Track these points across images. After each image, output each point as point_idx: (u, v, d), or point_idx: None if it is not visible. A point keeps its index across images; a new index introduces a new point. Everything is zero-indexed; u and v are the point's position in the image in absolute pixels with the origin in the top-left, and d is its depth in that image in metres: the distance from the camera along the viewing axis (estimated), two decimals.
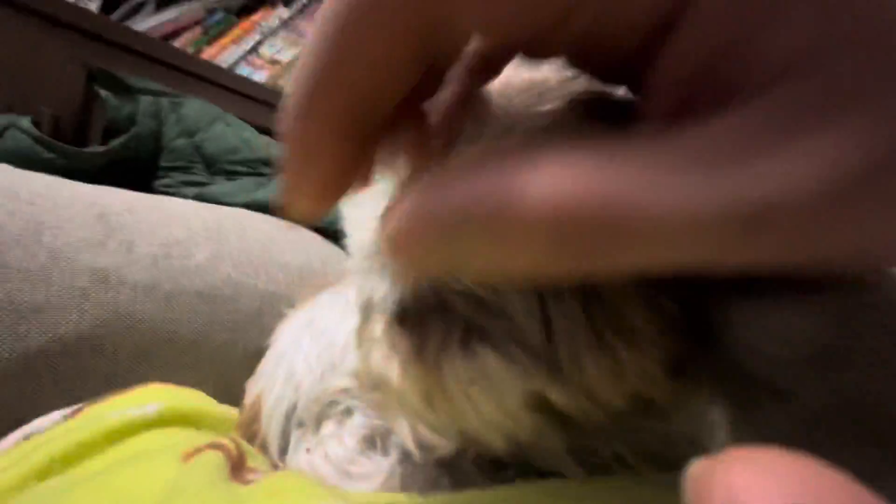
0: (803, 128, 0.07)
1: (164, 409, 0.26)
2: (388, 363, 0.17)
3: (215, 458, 0.18)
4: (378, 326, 0.17)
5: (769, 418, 0.12)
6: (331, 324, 0.29)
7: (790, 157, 0.07)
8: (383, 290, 0.18)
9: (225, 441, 0.20)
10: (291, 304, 0.38)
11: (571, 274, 0.09)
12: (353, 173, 0.10)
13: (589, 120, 0.11)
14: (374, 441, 0.22)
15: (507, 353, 0.14)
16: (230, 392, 0.42)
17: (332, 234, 0.61)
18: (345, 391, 0.26)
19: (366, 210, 0.19)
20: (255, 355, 0.48)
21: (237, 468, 0.19)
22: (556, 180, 0.08)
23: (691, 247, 0.08)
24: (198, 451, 0.19)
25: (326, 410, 0.26)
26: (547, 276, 0.09)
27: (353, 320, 0.29)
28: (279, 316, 0.49)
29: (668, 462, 0.17)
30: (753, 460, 0.06)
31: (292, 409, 0.27)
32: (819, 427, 0.12)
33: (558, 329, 0.14)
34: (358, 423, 0.23)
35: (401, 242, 0.09)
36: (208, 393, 0.43)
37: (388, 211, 0.09)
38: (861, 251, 0.08)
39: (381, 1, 0.08)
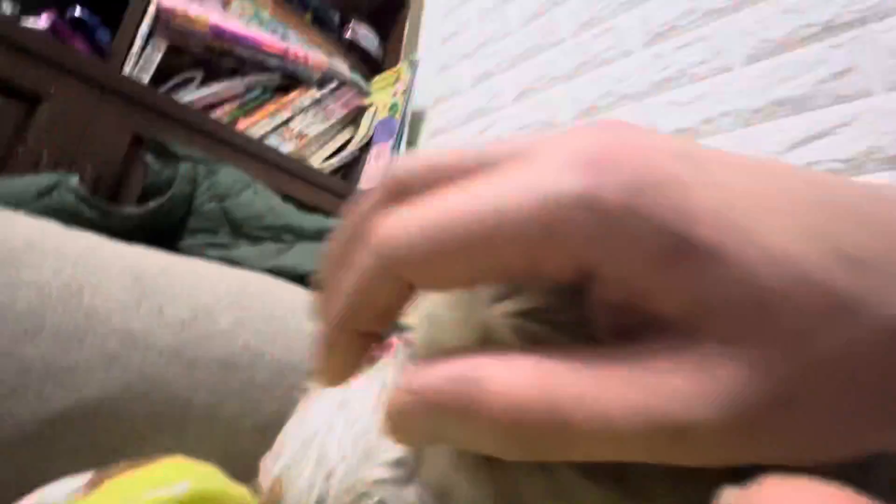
0: (706, 364, 0.09)
1: (192, 489, 0.25)
2: (455, 472, 0.17)
3: None
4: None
5: None
6: (366, 408, 0.29)
7: (699, 390, 0.09)
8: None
9: None
10: (307, 376, 0.38)
11: (534, 457, 0.10)
12: (359, 363, 0.14)
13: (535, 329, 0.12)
14: None
15: (586, 471, 0.14)
16: (238, 464, 0.41)
17: None
18: (379, 483, 0.26)
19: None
20: (264, 427, 0.47)
21: None
22: (511, 378, 0.10)
23: (629, 451, 0.09)
24: None
25: (357, 502, 0.26)
26: (512, 457, 0.10)
27: None
28: (290, 387, 0.49)
29: None
30: (785, 488, 0.06)
31: (323, 499, 0.26)
32: None
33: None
34: None
35: (393, 425, 0.12)
36: (214, 462, 0.42)
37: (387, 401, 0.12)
38: (794, 458, 0.09)
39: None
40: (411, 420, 0.11)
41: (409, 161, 0.12)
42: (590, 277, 0.10)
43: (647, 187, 0.09)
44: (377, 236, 0.11)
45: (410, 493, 0.25)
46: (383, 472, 0.26)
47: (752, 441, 0.09)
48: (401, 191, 0.12)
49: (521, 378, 0.10)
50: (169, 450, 0.38)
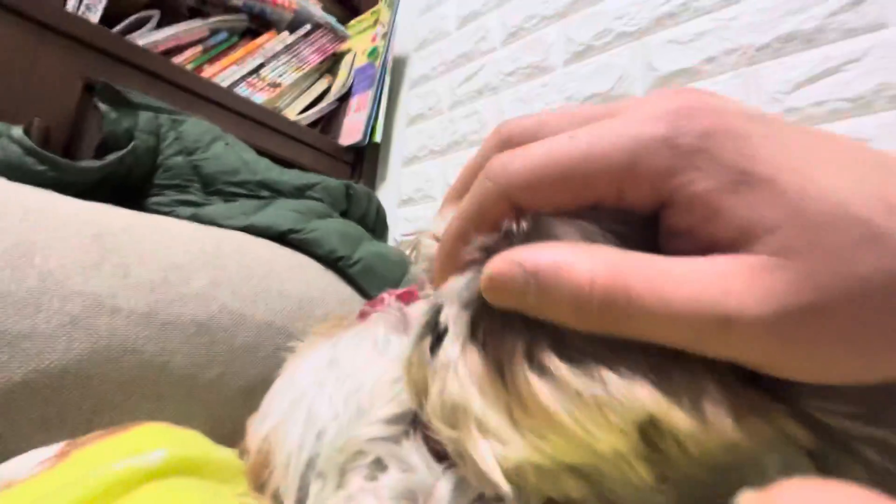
0: (758, 271, 0.11)
1: (169, 457, 0.23)
2: (467, 388, 0.16)
3: None
4: (452, 349, 0.16)
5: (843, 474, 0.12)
6: (357, 366, 0.27)
7: (749, 289, 0.11)
8: (456, 307, 0.16)
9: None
10: (292, 337, 0.36)
11: (601, 328, 0.13)
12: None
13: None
14: (416, 498, 0.20)
15: (620, 368, 0.13)
16: (221, 428, 0.39)
17: (333, 262, 0.60)
18: (374, 440, 0.24)
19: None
20: (248, 390, 0.45)
21: None
22: (594, 261, 0.12)
23: (680, 332, 0.11)
24: None
25: (351, 462, 0.24)
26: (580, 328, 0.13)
27: (382, 362, 0.28)
28: (276, 349, 0.47)
29: None
30: (807, 488, 0.06)
31: (314, 459, 0.25)
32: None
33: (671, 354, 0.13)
34: (395, 479, 0.21)
35: (492, 284, 0.13)
36: (198, 428, 0.40)
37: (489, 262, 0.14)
38: (818, 369, 0.11)
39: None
40: (511, 284, 0.13)
41: (520, 118, 0.15)
42: (663, 204, 0.12)
43: (718, 134, 0.12)
44: (494, 166, 0.14)
45: (408, 449, 0.23)
46: (378, 430, 0.24)
47: (790, 341, 0.11)
48: (513, 139, 0.15)
49: (602, 262, 0.12)
50: (147, 416, 0.36)
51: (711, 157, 0.11)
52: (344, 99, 1.02)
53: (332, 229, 0.62)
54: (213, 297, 0.43)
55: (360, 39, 1.05)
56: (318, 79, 1.03)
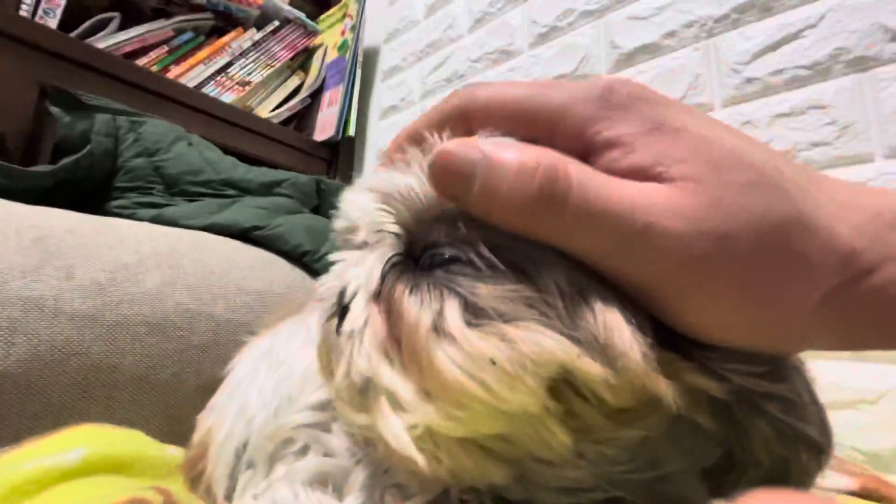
0: (675, 196, 0.13)
1: (88, 454, 0.23)
2: (373, 358, 0.15)
3: None
4: (357, 318, 0.15)
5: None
6: (290, 353, 0.26)
7: (669, 206, 0.12)
8: (366, 268, 0.16)
9: (147, 495, 0.18)
10: (251, 332, 0.35)
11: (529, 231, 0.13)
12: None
13: None
14: (325, 482, 0.20)
15: (532, 319, 0.13)
16: (180, 429, 0.39)
17: (297, 258, 0.59)
18: (301, 427, 0.23)
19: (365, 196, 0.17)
20: (208, 388, 0.44)
21: None
22: (539, 153, 0.13)
23: (603, 235, 0.13)
24: None
25: (281, 450, 0.24)
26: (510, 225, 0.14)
27: (315, 350, 0.27)
28: (237, 345, 0.47)
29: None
30: (772, 498, 0.07)
31: (242, 448, 0.24)
32: None
33: (591, 299, 0.13)
34: (312, 463, 0.21)
35: (442, 162, 0.14)
36: (155, 431, 0.40)
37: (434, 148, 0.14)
38: (712, 315, 0.13)
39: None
40: (461, 163, 0.13)
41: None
42: (585, 151, 0.14)
43: (641, 99, 0.14)
44: (464, 89, 0.16)
45: (334, 438, 0.23)
46: (306, 417, 0.24)
47: (697, 265, 0.12)
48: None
49: (548, 155, 0.13)
50: (97, 418, 0.35)
51: (631, 112, 0.14)
52: (316, 94, 1.01)
53: (299, 225, 0.61)
54: (166, 296, 0.42)
55: (330, 34, 1.04)
56: (290, 75, 1.02)
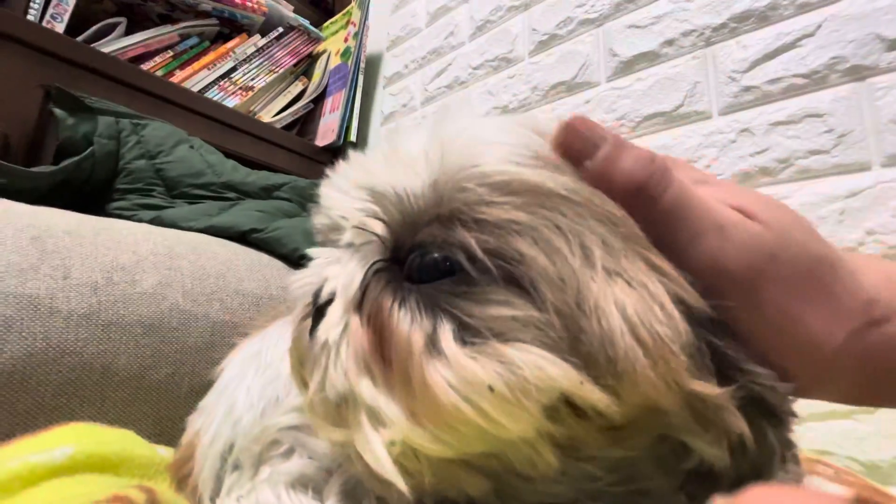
0: (740, 219, 0.15)
1: (76, 453, 0.23)
2: (352, 374, 0.14)
3: None
4: (336, 323, 0.15)
5: None
6: (278, 355, 0.26)
7: (739, 221, 0.15)
8: (347, 273, 0.15)
9: (130, 493, 0.18)
10: (246, 334, 0.35)
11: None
12: None
13: None
14: (307, 484, 0.20)
15: (531, 340, 0.12)
16: (173, 430, 0.38)
17: (295, 261, 0.59)
18: (287, 429, 0.23)
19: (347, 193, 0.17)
20: (203, 390, 0.44)
21: None
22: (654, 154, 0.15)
23: (690, 221, 0.15)
24: None
25: (266, 452, 0.24)
26: None
27: None
28: (233, 347, 0.47)
29: None
30: (771, 493, 0.07)
31: (229, 449, 0.24)
32: None
33: (596, 318, 0.12)
34: (295, 465, 0.21)
35: (580, 122, 0.15)
36: (146, 431, 0.40)
37: None
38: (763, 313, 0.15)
39: None
40: (597, 128, 0.15)
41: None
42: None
43: (679, 164, 0.18)
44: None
45: (318, 441, 0.23)
46: (291, 419, 0.24)
47: (754, 269, 0.14)
48: None
49: (660, 155, 0.16)
50: (90, 418, 0.35)
51: (679, 169, 0.16)
52: (319, 100, 1.02)
53: (298, 228, 0.61)
54: (162, 297, 0.43)
55: (334, 41, 1.05)
56: (293, 81, 1.03)
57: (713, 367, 0.13)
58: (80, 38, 0.75)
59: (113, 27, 0.81)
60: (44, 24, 0.73)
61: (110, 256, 0.41)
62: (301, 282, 0.17)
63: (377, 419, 0.14)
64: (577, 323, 0.13)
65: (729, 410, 0.13)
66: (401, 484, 0.13)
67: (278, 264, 0.57)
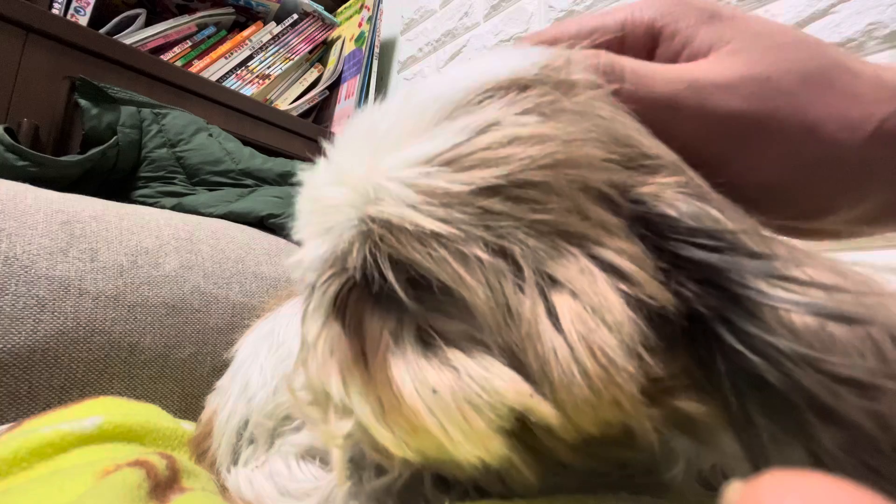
0: (722, 58, 0.16)
1: (104, 423, 0.24)
2: (327, 369, 0.15)
3: (133, 475, 0.16)
4: (313, 325, 0.16)
5: (815, 440, 0.10)
6: (290, 334, 0.27)
7: (715, 66, 0.15)
8: (317, 276, 0.15)
9: (150, 458, 0.19)
10: (259, 315, 0.37)
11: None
12: None
13: None
14: (315, 455, 0.20)
15: (480, 357, 0.12)
16: (197, 407, 0.40)
17: None
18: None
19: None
20: (222, 368, 0.46)
21: (161, 487, 0.17)
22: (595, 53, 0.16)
23: (659, 92, 0.15)
24: (117, 467, 0.17)
25: (279, 427, 0.24)
26: None
27: None
28: (248, 328, 0.48)
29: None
30: (792, 483, 0.07)
31: (244, 425, 0.25)
32: (856, 451, 0.10)
33: (530, 338, 0.12)
34: (303, 438, 0.21)
35: None
36: (172, 407, 0.41)
37: None
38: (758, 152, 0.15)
39: None
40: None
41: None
42: (656, 36, 0.17)
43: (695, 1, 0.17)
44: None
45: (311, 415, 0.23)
46: (304, 395, 0.25)
47: (746, 102, 0.14)
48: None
49: (603, 54, 0.16)
50: (119, 394, 0.37)
51: (691, 7, 0.16)
52: (334, 86, 1.02)
53: None
54: (184, 279, 0.44)
55: (348, 26, 1.05)
56: (309, 68, 1.03)
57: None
58: (102, 31, 0.77)
59: (133, 19, 0.83)
60: (68, 17, 0.75)
61: (134, 241, 0.43)
62: (299, 265, 0.17)
63: (344, 412, 0.14)
64: (514, 343, 0.12)
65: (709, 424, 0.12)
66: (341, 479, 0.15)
67: (295, 249, 0.58)
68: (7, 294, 0.34)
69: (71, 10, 0.76)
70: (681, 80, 0.15)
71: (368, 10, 0.99)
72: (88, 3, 0.78)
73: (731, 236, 0.11)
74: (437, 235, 0.12)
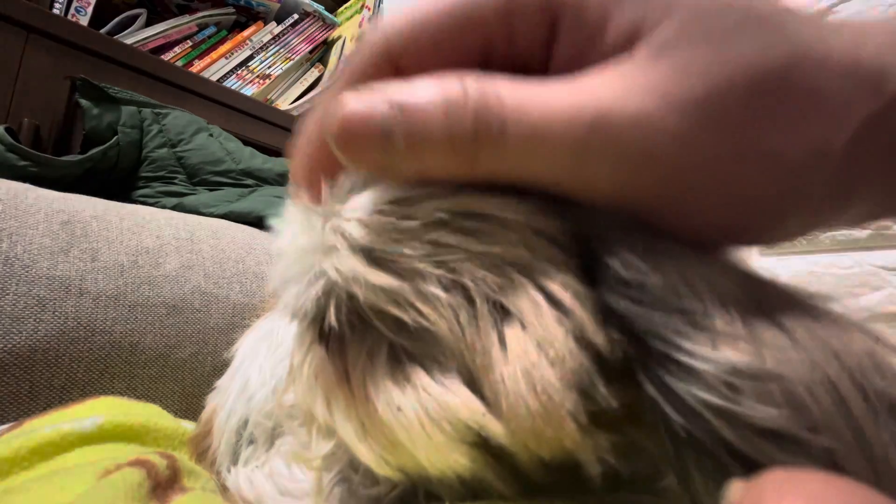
0: (641, 69, 0.11)
1: (105, 423, 0.24)
2: (313, 393, 0.15)
3: (133, 475, 0.16)
4: (298, 350, 0.16)
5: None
6: (289, 333, 0.27)
7: (630, 85, 0.10)
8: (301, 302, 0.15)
9: (151, 458, 0.19)
10: (259, 315, 0.37)
11: (472, 168, 0.11)
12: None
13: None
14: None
15: (441, 377, 0.12)
16: (198, 407, 0.40)
17: None
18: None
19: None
20: (223, 368, 0.46)
21: (162, 486, 0.17)
22: (462, 80, 0.11)
23: (558, 144, 0.10)
24: (118, 467, 0.17)
25: (279, 427, 0.25)
26: (452, 177, 0.11)
27: None
28: (249, 327, 0.48)
29: None
30: (791, 477, 0.07)
31: (243, 425, 0.25)
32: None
33: (483, 367, 0.12)
34: (304, 438, 0.22)
35: (347, 129, 0.11)
36: (172, 407, 0.42)
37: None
38: (696, 191, 0.11)
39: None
40: (371, 124, 0.11)
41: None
42: (553, 32, 0.12)
43: None
44: (368, 33, 0.13)
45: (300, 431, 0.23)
46: (294, 413, 0.25)
47: (671, 138, 0.10)
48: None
49: (472, 78, 0.11)
50: (120, 394, 0.37)
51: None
52: None
53: None
54: (185, 279, 0.44)
55: (349, 26, 1.05)
56: (309, 68, 1.03)
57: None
58: (102, 31, 0.77)
59: (133, 19, 0.83)
60: (69, 17, 0.75)
61: (135, 240, 0.43)
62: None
63: (328, 433, 0.15)
64: (472, 368, 0.12)
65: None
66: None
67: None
68: (8, 294, 0.34)
69: (72, 10, 0.77)
70: (580, 119, 0.10)
71: (370, 9, 0.99)
72: (89, 4, 0.79)
73: (657, 290, 0.11)
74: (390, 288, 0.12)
